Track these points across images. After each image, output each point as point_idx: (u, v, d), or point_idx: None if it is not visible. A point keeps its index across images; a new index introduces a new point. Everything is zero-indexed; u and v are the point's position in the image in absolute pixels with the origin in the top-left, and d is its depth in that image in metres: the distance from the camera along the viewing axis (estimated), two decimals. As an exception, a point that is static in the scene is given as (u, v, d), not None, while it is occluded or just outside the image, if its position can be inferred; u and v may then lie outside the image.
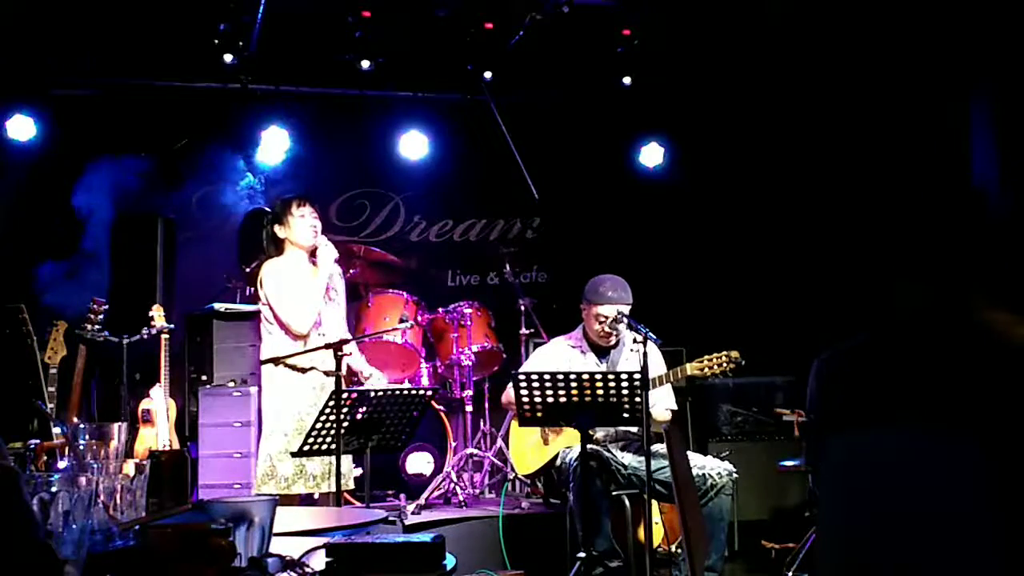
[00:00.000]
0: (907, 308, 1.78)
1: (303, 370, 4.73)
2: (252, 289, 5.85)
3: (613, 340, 4.80)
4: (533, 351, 5.40)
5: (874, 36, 5.78)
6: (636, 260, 5.75)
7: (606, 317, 4.69)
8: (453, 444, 5.97)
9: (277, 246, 4.87)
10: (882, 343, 1.75)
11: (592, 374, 4.06)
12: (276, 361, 4.70)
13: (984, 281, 1.71)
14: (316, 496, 4.70)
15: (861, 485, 1.68)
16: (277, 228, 4.83)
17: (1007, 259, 1.72)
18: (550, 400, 4.01)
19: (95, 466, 2.01)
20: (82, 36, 6.12)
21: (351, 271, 5.97)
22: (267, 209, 5.25)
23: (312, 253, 4.85)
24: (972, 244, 1.74)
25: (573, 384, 3.97)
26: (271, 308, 4.72)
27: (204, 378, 5.94)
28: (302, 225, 4.80)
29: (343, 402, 4.11)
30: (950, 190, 1.82)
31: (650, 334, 4.05)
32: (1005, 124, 5.21)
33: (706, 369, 4.32)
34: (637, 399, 3.95)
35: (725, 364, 4.28)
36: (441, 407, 6.05)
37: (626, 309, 4.69)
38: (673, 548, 4.84)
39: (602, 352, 4.85)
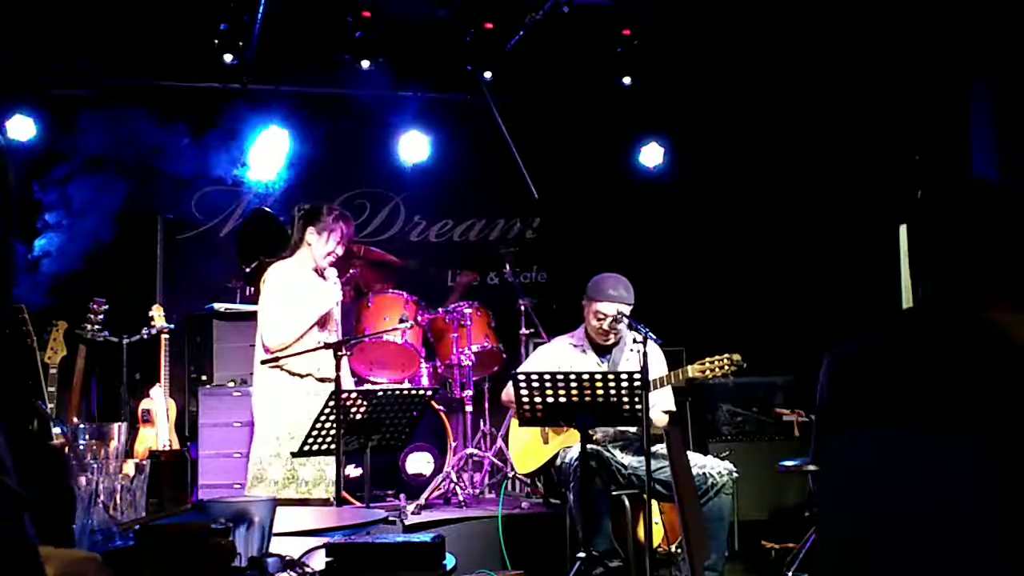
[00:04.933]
0: (915, 304, 1.78)
1: (300, 375, 4.66)
2: (252, 289, 5.84)
3: (611, 339, 4.78)
4: (533, 351, 5.40)
5: (874, 35, 5.78)
6: (636, 260, 5.74)
7: (604, 315, 4.66)
8: (453, 444, 5.96)
9: (297, 245, 4.75)
10: (886, 340, 1.75)
11: (592, 374, 4.06)
12: (275, 362, 4.66)
13: (989, 278, 1.71)
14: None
15: (862, 484, 1.68)
16: (311, 233, 4.68)
17: (1012, 256, 1.71)
18: (550, 400, 4.01)
19: (95, 466, 2.00)
20: (82, 36, 6.11)
21: (351, 271, 5.97)
22: (267, 208, 5.25)
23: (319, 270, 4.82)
24: (977, 240, 1.73)
25: (573, 384, 3.97)
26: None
27: (204, 378, 5.95)
28: (332, 254, 4.73)
29: (343, 402, 4.10)
30: (955, 184, 1.81)
31: (650, 334, 4.04)
32: (1005, 124, 5.21)
33: (707, 371, 4.31)
34: (637, 399, 3.95)
35: (727, 366, 4.27)
36: (441, 407, 6.05)
37: (626, 309, 4.67)
38: (673, 548, 4.84)
39: (603, 351, 4.85)
